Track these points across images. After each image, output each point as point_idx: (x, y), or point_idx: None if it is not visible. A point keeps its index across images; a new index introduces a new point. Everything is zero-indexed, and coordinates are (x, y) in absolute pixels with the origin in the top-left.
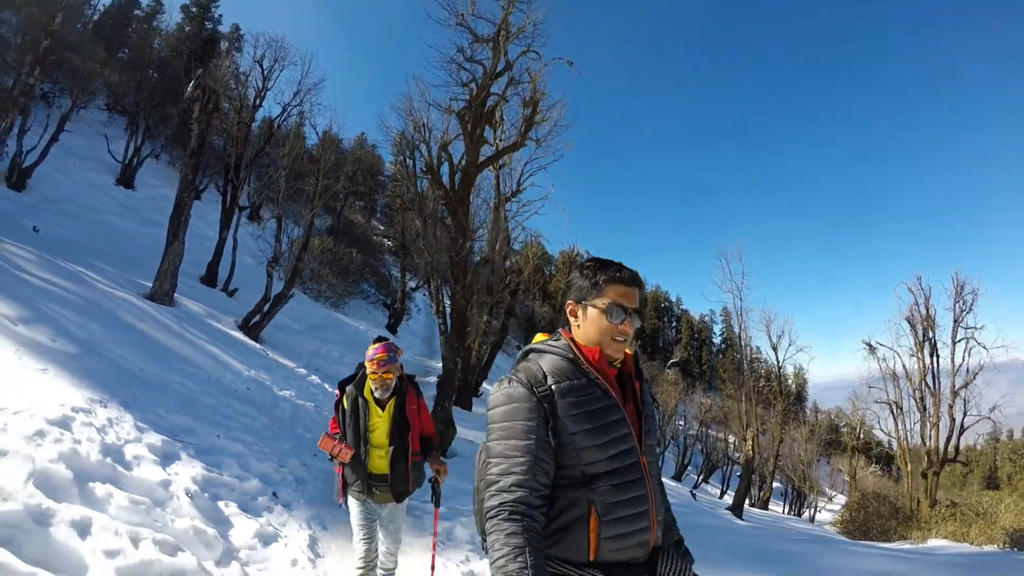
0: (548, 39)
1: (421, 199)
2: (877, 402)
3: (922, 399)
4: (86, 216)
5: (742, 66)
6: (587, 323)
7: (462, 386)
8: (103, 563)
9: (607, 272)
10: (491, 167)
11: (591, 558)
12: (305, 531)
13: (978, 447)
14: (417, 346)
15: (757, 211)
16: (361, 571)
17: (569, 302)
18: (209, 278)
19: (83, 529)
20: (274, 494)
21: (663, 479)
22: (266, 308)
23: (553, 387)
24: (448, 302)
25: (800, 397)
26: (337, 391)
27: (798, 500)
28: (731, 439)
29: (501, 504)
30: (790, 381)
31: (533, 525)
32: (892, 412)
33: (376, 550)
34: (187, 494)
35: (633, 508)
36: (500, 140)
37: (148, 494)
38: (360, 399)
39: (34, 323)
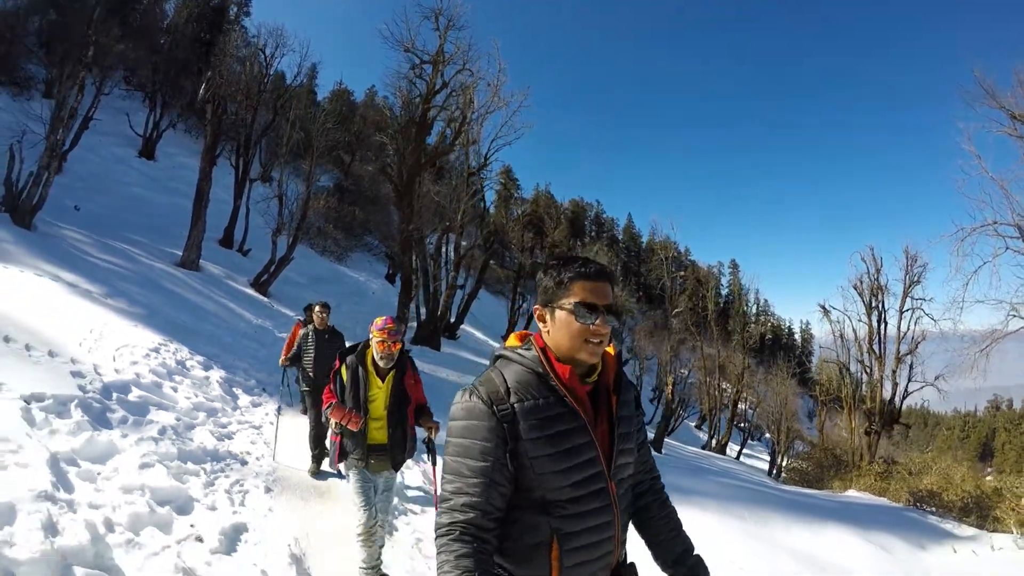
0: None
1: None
2: (826, 362)
3: (868, 363)
4: (115, 190)
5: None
6: (556, 328)
7: (432, 331)
8: (185, 401)
9: (572, 268)
10: (461, 144)
11: None
12: (275, 405)
13: (978, 414)
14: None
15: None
16: (362, 537)
17: (536, 306)
18: (226, 240)
19: (175, 389)
20: (263, 389)
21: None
22: (272, 269)
23: (515, 406)
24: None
25: (807, 352)
26: (336, 362)
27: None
28: (725, 387)
29: (452, 523)
30: (797, 337)
31: (484, 547)
32: (840, 373)
33: (375, 516)
34: (217, 383)
35: (597, 535)
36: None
37: (200, 381)
38: (360, 369)
39: (115, 296)
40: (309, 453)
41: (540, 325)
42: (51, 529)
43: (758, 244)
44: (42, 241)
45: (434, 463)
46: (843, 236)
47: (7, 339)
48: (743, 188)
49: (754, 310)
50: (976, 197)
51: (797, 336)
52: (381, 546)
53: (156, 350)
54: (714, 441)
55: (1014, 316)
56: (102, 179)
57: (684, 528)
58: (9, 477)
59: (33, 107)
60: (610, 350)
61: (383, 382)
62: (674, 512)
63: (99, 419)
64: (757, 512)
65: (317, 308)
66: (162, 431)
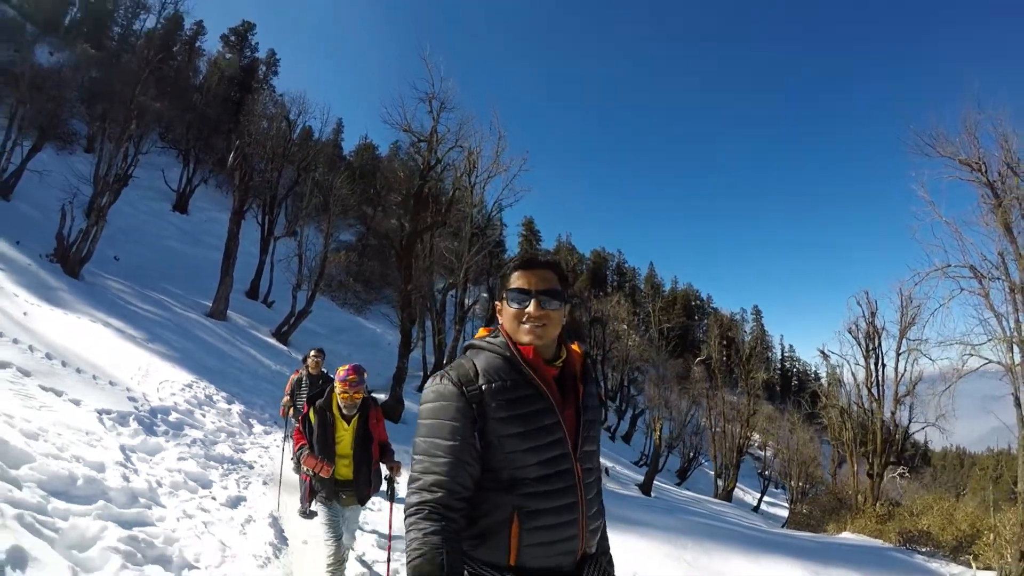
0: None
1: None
2: (825, 407)
3: (868, 406)
4: (151, 242)
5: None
6: (504, 316)
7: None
8: (211, 424)
9: (511, 263)
10: (464, 207)
11: (511, 563)
12: (281, 434)
13: (1012, 451)
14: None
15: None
16: (332, 567)
17: (495, 302)
18: (252, 292)
19: (204, 416)
20: (275, 422)
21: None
22: (292, 320)
23: (484, 387)
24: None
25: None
26: (304, 405)
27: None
28: (755, 436)
29: (421, 503)
30: (823, 381)
31: (452, 526)
32: (841, 416)
33: (344, 548)
34: (237, 414)
35: (560, 517)
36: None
37: (223, 411)
38: (328, 414)
39: (154, 341)
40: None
41: (499, 319)
42: (126, 479)
43: (785, 288)
44: (90, 290)
45: (392, 499)
46: (865, 278)
47: (79, 370)
48: (766, 234)
49: (779, 355)
50: (929, 242)
51: (824, 380)
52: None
53: (189, 386)
54: (720, 484)
55: (970, 356)
56: (139, 231)
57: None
58: (99, 451)
59: (76, 161)
60: (576, 348)
61: (348, 425)
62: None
63: (149, 429)
64: (703, 543)
65: (312, 353)
66: (193, 441)
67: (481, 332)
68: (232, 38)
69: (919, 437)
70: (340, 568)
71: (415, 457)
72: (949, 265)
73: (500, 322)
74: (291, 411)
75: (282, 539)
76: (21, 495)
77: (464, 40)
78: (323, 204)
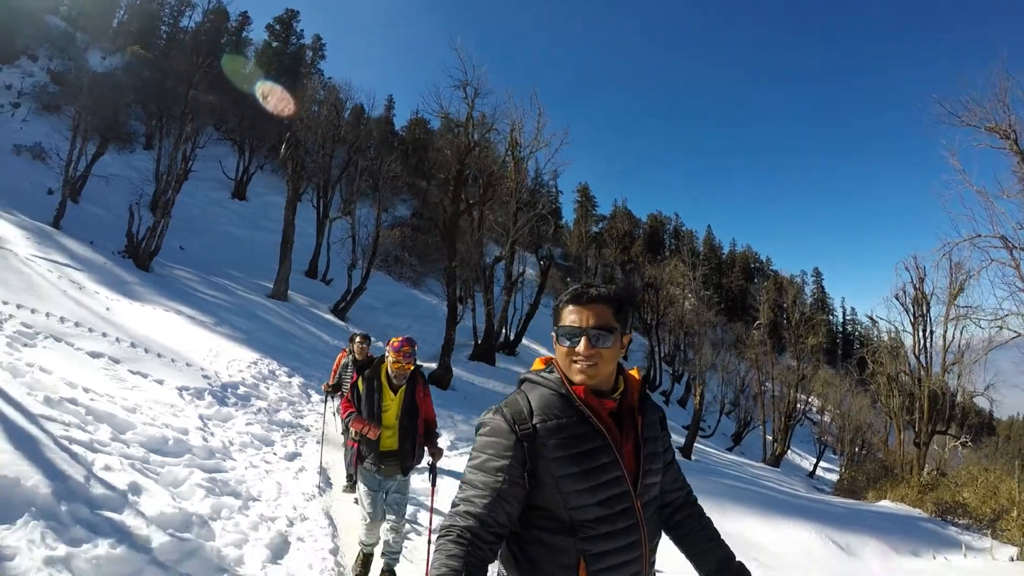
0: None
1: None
2: (873, 373)
3: (916, 373)
4: (213, 230)
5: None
6: (556, 352)
7: (487, 349)
8: (274, 396)
9: (566, 294)
10: (510, 178)
11: None
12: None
13: None
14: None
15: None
16: (366, 523)
17: (552, 332)
18: (311, 271)
19: (268, 388)
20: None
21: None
22: (348, 298)
23: (537, 425)
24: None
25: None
26: (354, 374)
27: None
28: (813, 400)
29: (451, 526)
30: (884, 346)
31: (477, 553)
32: (888, 383)
33: (381, 515)
34: (297, 386)
35: (624, 556)
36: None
37: (285, 384)
38: (376, 382)
39: (222, 324)
40: (344, 472)
41: (556, 349)
42: (205, 439)
43: (848, 250)
44: (160, 281)
45: (433, 484)
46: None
47: (159, 355)
48: (828, 194)
49: (840, 318)
50: (959, 212)
51: (885, 344)
52: (390, 544)
53: (255, 363)
54: (803, 460)
55: (1000, 328)
56: (201, 220)
57: (722, 537)
58: (182, 420)
59: (136, 159)
60: (635, 373)
61: (395, 395)
62: (710, 522)
63: (221, 401)
64: (723, 505)
65: (358, 339)
66: (259, 410)
67: (537, 364)
68: (277, 27)
69: (984, 405)
70: (375, 527)
71: (461, 484)
72: (978, 235)
73: (556, 351)
74: (332, 392)
75: (327, 484)
76: (130, 451)
77: (516, 15)
78: (374, 184)
